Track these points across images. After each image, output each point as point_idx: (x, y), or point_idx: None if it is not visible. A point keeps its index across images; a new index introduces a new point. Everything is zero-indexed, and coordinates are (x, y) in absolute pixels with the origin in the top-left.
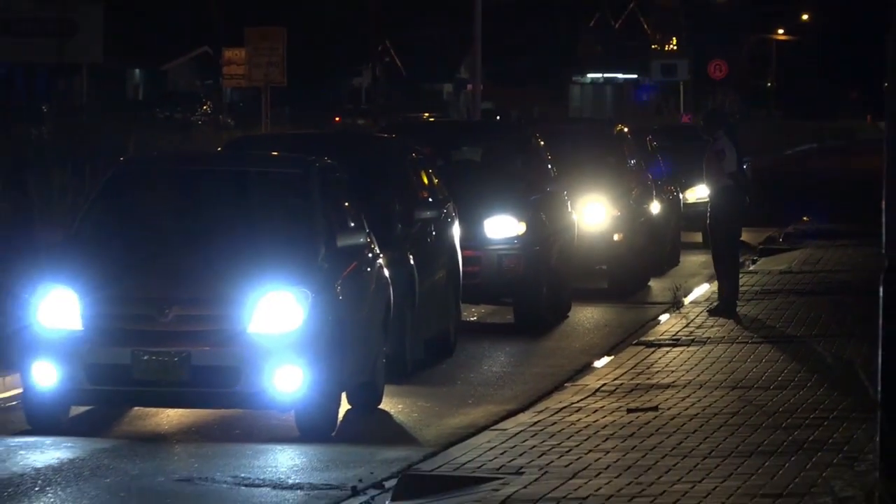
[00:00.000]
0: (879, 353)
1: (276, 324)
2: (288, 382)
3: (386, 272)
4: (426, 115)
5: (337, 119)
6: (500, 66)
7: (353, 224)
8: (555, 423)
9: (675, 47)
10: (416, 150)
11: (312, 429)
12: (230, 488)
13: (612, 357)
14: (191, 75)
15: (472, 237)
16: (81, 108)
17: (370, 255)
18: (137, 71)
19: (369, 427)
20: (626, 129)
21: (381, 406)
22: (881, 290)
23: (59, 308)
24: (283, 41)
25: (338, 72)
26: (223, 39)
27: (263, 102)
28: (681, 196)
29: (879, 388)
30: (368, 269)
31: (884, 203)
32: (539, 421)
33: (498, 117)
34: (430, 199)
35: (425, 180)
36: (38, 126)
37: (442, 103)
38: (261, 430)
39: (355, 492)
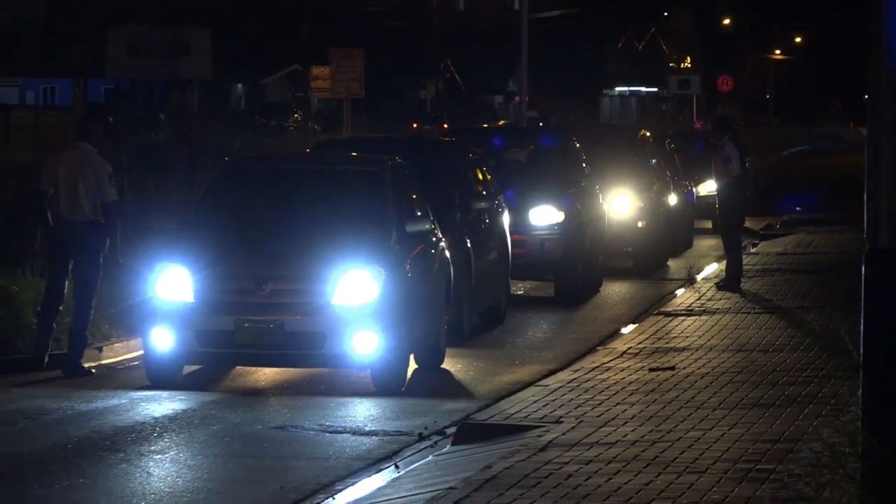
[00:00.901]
0: (861, 322)
1: (356, 297)
2: (365, 346)
3: (447, 253)
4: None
5: (415, 126)
6: (543, 80)
7: (419, 213)
8: (588, 380)
9: (689, 65)
10: (472, 151)
11: (385, 385)
12: (317, 434)
13: (637, 325)
14: (284, 88)
15: (520, 224)
16: (193, 116)
17: (434, 239)
18: (240, 85)
19: (433, 383)
20: (648, 134)
21: (443, 366)
22: (863, 268)
23: (174, 283)
24: (362, 59)
25: (407, 85)
26: (311, 58)
27: (345, 111)
28: (694, 190)
29: (861, 352)
30: (432, 251)
31: (865, 194)
32: (575, 378)
33: (541, 124)
34: (484, 192)
35: (480, 176)
36: (157, 131)
37: (494, 112)
38: (342, 385)
39: (421, 437)
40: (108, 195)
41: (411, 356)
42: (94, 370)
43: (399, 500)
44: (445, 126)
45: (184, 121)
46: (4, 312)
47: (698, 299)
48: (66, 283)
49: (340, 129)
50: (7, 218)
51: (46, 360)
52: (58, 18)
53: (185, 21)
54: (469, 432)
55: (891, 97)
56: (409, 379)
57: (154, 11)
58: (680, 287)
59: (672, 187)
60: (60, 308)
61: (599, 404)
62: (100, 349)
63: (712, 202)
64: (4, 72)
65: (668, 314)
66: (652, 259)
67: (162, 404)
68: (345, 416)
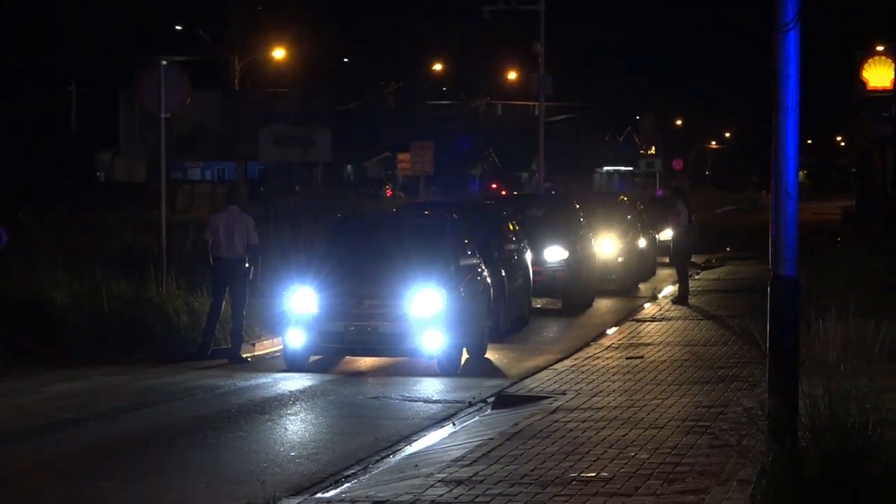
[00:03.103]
0: (768, 324)
1: (426, 308)
2: (433, 342)
3: (488, 279)
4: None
5: (494, 186)
6: (553, 162)
7: (469, 252)
8: (584, 365)
9: (653, 152)
10: (505, 210)
11: (446, 369)
12: (400, 402)
13: (617, 328)
14: (379, 168)
15: (538, 259)
16: (317, 187)
17: (479, 269)
18: (349, 166)
19: (479, 368)
20: (625, 198)
21: (486, 355)
22: (768, 288)
23: (303, 299)
24: (431, 149)
25: (462, 165)
26: (398, 148)
27: (420, 183)
28: (656, 236)
29: (767, 345)
30: (478, 278)
31: (770, 239)
32: (575, 364)
33: (553, 192)
34: (514, 238)
35: (511, 227)
36: (293, 197)
37: (521, 184)
38: (417, 369)
39: (470, 404)
40: (252, 239)
41: (464, 349)
42: (249, 359)
43: (455, 446)
44: (495, 187)
45: (311, 190)
46: (189, 319)
47: (659, 310)
48: (224, 300)
49: (417, 195)
50: (192, 256)
51: (210, 351)
52: (227, 121)
53: (313, 122)
54: (503, 401)
55: (781, 182)
56: (463, 365)
57: (291, 116)
58: (647, 302)
59: (641, 234)
60: (219, 318)
61: (591, 382)
62: (253, 344)
63: (668, 244)
64: (192, 157)
65: (638, 320)
66: (628, 283)
67: (295, 382)
68: (419, 390)
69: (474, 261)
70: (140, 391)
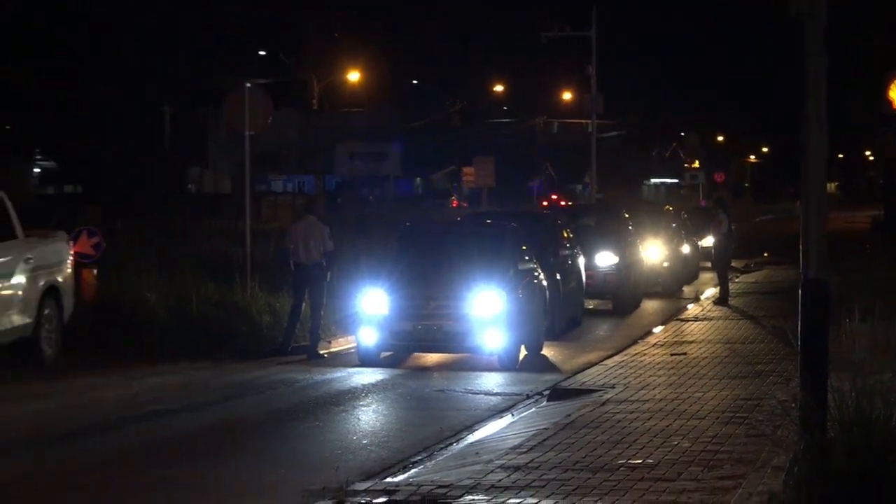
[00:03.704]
0: (799, 325)
1: (488, 309)
2: (493, 340)
3: (544, 282)
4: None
5: (554, 196)
6: (605, 175)
7: (527, 258)
8: (632, 361)
9: (696, 165)
10: (560, 219)
11: (506, 364)
12: (463, 395)
13: (663, 326)
14: (446, 180)
15: (590, 264)
16: (388, 198)
17: (536, 273)
18: (418, 178)
19: (536, 363)
20: (671, 208)
21: (542, 352)
22: (800, 291)
23: (375, 300)
24: (493, 163)
25: (521, 178)
26: (463, 162)
27: (483, 195)
28: (699, 243)
29: (799, 343)
30: (535, 281)
31: (801, 246)
32: (624, 360)
33: (605, 202)
34: (567, 245)
35: (565, 235)
36: (366, 208)
37: (575, 195)
38: (478, 365)
39: (528, 397)
40: (328, 246)
41: (522, 346)
42: (325, 355)
43: (514, 435)
44: (555, 198)
45: (383, 200)
46: (271, 320)
47: (701, 311)
48: (304, 302)
49: (480, 205)
50: (274, 262)
51: (290, 349)
52: (306, 138)
53: (384, 139)
54: (557, 394)
55: (811, 193)
56: (521, 360)
57: (365, 133)
58: (690, 303)
59: (685, 241)
60: (299, 318)
61: (639, 376)
62: (329, 342)
63: (710, 250)
64: (274, 171)
65: (682, 320)
66: (673, 286)
67: (367, 376)
68: (480, 384)
69: (531, 265)
70: (225, 385)
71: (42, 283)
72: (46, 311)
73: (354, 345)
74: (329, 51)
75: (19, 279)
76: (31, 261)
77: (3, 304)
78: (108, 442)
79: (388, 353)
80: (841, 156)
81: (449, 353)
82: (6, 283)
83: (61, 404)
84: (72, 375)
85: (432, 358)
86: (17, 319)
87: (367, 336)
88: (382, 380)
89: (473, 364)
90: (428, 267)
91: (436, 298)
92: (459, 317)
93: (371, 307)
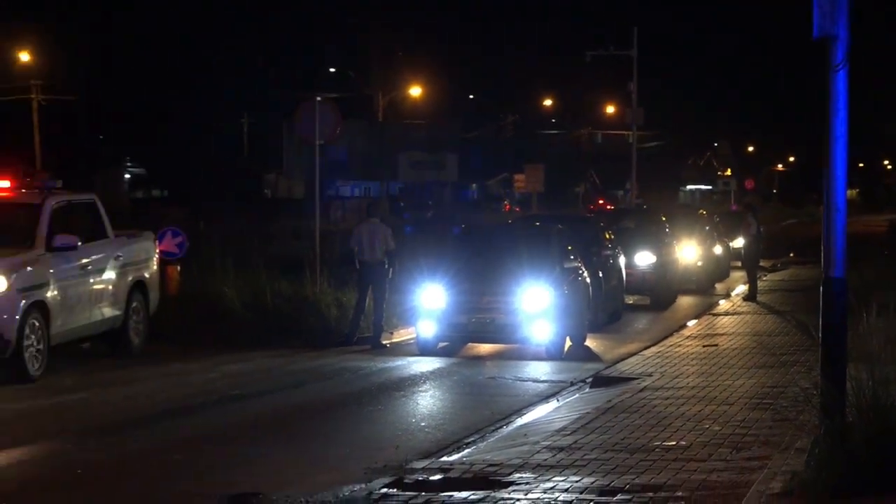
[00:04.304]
0: (820, 318)
1: (536, 304)
2: (541, 331)
3: (588, 279)
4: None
5: (601, 201)
6: (644, 181)
7: (572, 257)
8: (668, 352)
9: (728, 173)
10: (602, 222)
11: (552, 354)
12: (513, 382)
13: (696, 320)
14: (499, 186)
15: (630, 263)
16: (446, 202)
17: (580, 271)
18: (474, 185)
19: (580, 353)
20: (704, 212)
21: (586, 343)
22: (821, 288)
23: (433, 295)
24: (542, 171)
25: (568, 184)
26: (514, 169)
27: (532, 199)
28: (730, 244)
29: (820, 336)
30: (579, 278)
31: (822, 246)
32: (660, 351)
33: (644, 207)
34: (609, 245)
35: (607, 236)
36: (427, 210)
37: (617, 200)
38: (527, 354)
39: (572, 384)
40: (390, 246)
41: (567, 338)
42: (387, 345)
43: (559, 418)
44: (601, 202)
45: (441, 205)
46: (338, 313)
47: (732, 306)
48: (368, 297)
49: (530, 209)
50: (341, 260)
51: (355, 339)
52: (372, 147)
53: (443, 148)
54: (599, 381)
55: (832, 198)
56: (566, 351)
57: (425, 143)
58: (721, 299)
59: (717, 242)
60: (364, 311)
61: (674, 366)
62: (391, 333)
63: (740, 251)
64: (342, 177)
65: (714, 315)
66: (706, 283)
67: (425, 364)
68: (528, 372)
69: (576, 264)
70: (296, 372)
71: (130, 278)
72: (134, 304)
73: (414, 336)
74: (393, 68)
75: (110, 275)
76: (121, 258)
77: (95, 297)
78: (193, 423)
79: (444, 344)
80: (861, 165)
81: (500, 343)
82: (98, 279)
83: (149, 389)
84: (157, 363)
85: (485, 348)
86: (108, 311)
87: (426, 328)
88: (439, 368)
89: (522, 354)
90: (482, 265)
91: (489, 294)
92: (510, 311)
93: (430, 301)
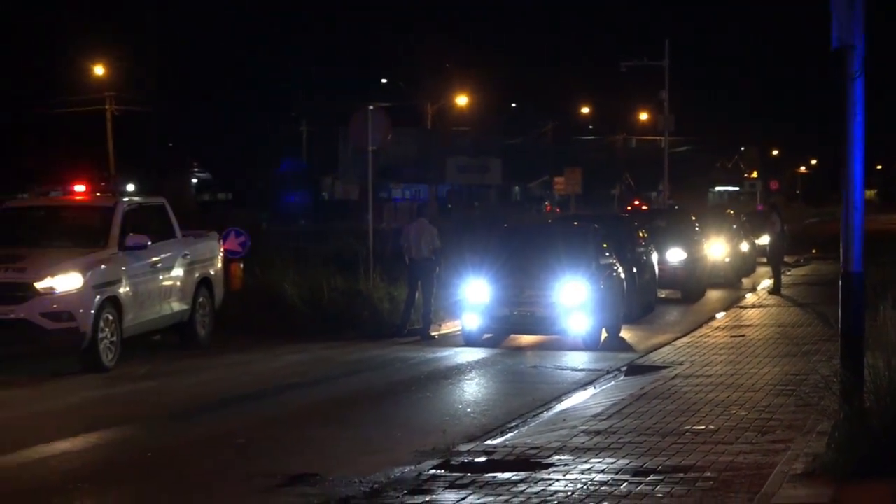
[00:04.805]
0: (839, 311)
1: (574, 297)
2: (579, 324)
3: (622, 275)
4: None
5: (629, 207)
6: (676, 183)
7: (607, 254)
8: (698, 342)
9: (755, 175)
10: (636, 221)
11: (589, 345)
12: (553, 370)
13: (724, 313)
14: (540, 189)
15: (662, 259)
16: (491, 204)
17: (615, 267)
18: (517, 187)
19: (615, 344)
20: (731, 212)
21: (620, 335)
22: (840, 281)
23: (477, 289)
24: (580, 173)
25: (603, 187)
26: (554, 172)
27: (571, 200)
28: (756, 241)
29: (840, 327)
30: (615, 274)
31: (841, 242)
32: (690, 341)
33: (676, 207)
34: (643, 243)
35: (641, 234)
36: (471, 211)
37: (651, 201)
38: (565, 345)
39: (608, 372)
40: (436, 244)
41: (603, 329)
42: (436, 336)
43: (595, 404)
44: (637, 203)
45: (486, 206)
46: (389, 306)
47: (758, 299)
48: (417, 292)
49: (569, 209)
50: (392, 257)
51: (406, 331)
52: (421, 152)
53: (487, 153)
54: (633, 370)
55: (851, 197)
56: (602, 341)
57: (471, 149)
58: (748, 293)
59: (744, 240)
60: (413, 305)
61: (703, 355)
62: (439, 325)
63: (765, 247)
64: (394, 181)
65: (741, 307)
66: (733, 278)
67: (470, 354)
68: (567, 361)
69: (611, 260)
70: (351, 361)
71: (196, 275)
72: (200, 299)
73: (460, 328)
74: (441, 79)
75: (178, 272)
76: (188, 256)
77: (164, 292)
78: (258, 408)
79: (488, 335)
80: (880, 167)
81: (540, 335)
82: (167, 276)
83: (216, 378)
84: (223, 354)
85: (526, 339)
86: (177, 306)
87: (471, 320)
88: (483, 357)
89: (561, 344)
90: (523, 261)
91: (530, 288)
92: (550, 304)
93: (474, 296)
